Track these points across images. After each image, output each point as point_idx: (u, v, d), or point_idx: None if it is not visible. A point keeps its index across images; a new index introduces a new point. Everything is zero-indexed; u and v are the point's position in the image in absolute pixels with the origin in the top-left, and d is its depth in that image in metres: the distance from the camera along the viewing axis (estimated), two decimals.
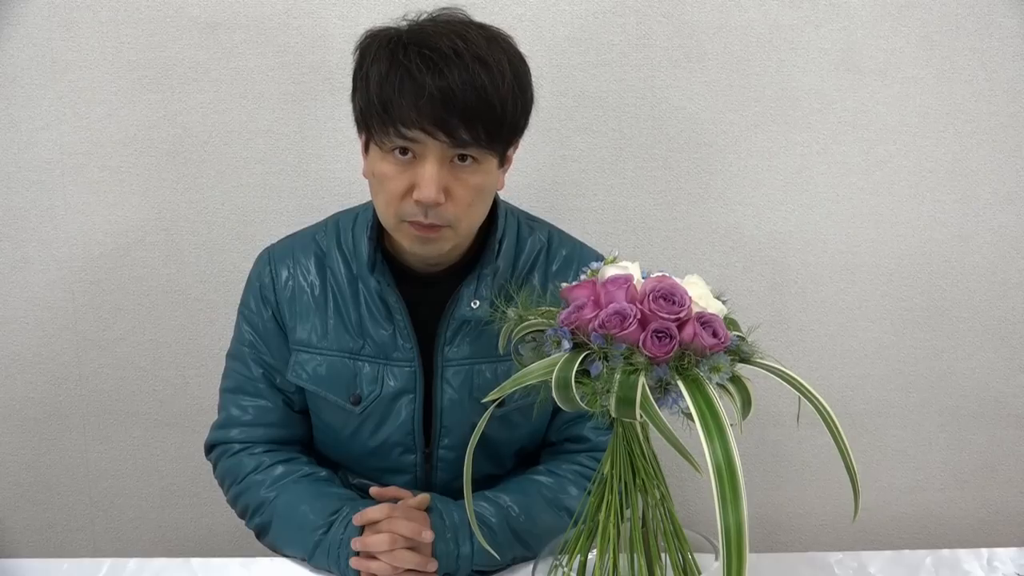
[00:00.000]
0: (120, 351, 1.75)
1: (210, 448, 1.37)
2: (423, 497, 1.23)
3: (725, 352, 0.87)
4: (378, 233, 1.26)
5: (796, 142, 1.66)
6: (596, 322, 0.88)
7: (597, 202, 1.68)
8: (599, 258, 1.33)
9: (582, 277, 0.96)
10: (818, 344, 1.75)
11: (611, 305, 0.88)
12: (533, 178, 1.65)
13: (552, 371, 0.87)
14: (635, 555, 0.96)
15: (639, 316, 0.87)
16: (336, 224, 1.33)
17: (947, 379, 1.77)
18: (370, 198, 1.24)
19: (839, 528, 1.84)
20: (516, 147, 1.24)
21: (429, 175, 1.11)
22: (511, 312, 0.99)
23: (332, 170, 1.65)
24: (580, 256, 1.34)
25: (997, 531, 1.84)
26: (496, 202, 1.29)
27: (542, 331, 0.95)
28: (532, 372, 0.90)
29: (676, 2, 1.60)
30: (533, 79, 1.62)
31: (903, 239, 1.71)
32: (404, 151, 1.13)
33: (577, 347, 0.89)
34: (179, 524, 1.84)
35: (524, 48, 1.61)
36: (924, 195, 1.69)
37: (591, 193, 1.68)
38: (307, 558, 1.22)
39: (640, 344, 0.86)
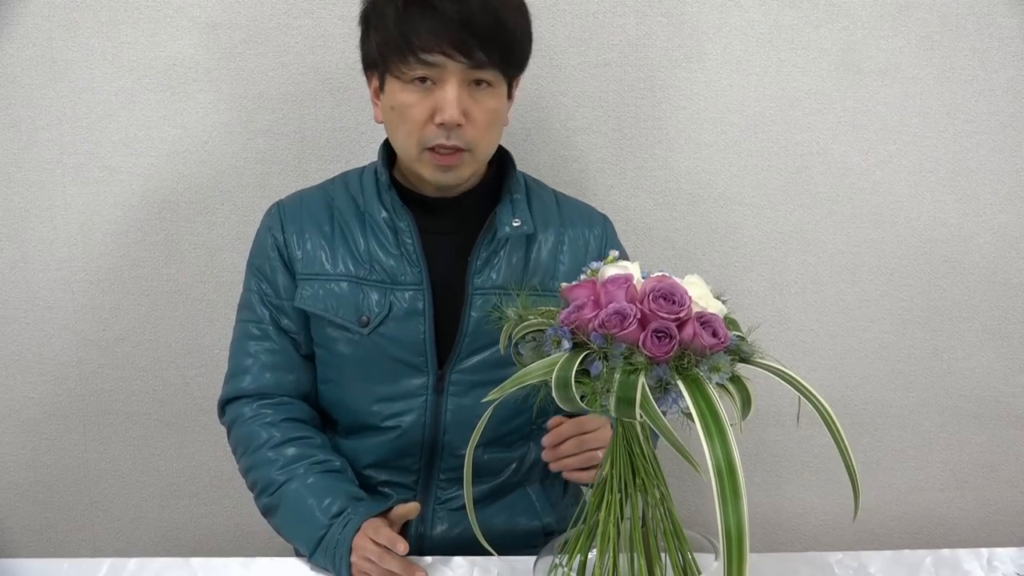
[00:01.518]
0: (120, 351, 1.75)
1: (223, 408, 1.39)
2: (413, 506, 1.24)
3: (725, 352, 0.87)
4: (389, 165, 1.34)
5: (796, 142, 1.66)
6: (596, 322, 0.88)
7: (597, 202, 1.67)
8: (602, 217, 1.43)
9: (582, 277, 0.97)
10: (818, 344, 1.75)
11: (611, 305, 0.88)
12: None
13: (552, 371, 0.87)
14: (635, 555, 0.96)
15: (639, 316, 0.87)
16: (344, 176, 1.41)
17: (947, 379, 1.77)
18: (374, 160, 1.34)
19: (839, 528, 1.84)
20: (517, 85, 1.32)
21: (451, 97, 1.19)
22: (511, 312, 0.99)
23: (332, 170, 1.65)
24: (587, 211, 1.43)
25: (997, 531, 1.84)
26: (507, 151, 1.38)
27: (542, 331, 0.95)
28: (532, 372, 0.90)
29: (676, 2, 1.60)
30: (534, 79, 1.63)
31: (903, 239, 1.71)
32: (423, 79, 1.20)
33: (577, 347, 0.89)
34: (179, 524, 1.84)
35: None
36: (924, 195, 1.69)
37: (591, 193, 1.68)
38: (308, 555, 1.24)
39: (640, 344, 0.86)
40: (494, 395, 0.93)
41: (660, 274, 0.92)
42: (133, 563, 1.25)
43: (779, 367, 0.91)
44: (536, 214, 1.36)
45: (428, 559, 1.25)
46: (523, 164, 1.66)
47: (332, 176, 1.44)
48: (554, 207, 1.40)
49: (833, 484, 1.82)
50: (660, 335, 0.86)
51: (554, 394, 0.87)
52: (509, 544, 1.24)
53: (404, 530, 1.26)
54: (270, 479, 1.29)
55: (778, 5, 1.61)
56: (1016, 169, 1.68)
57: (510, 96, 1.30)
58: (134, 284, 1.72)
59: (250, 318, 1.37)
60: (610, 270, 0.94)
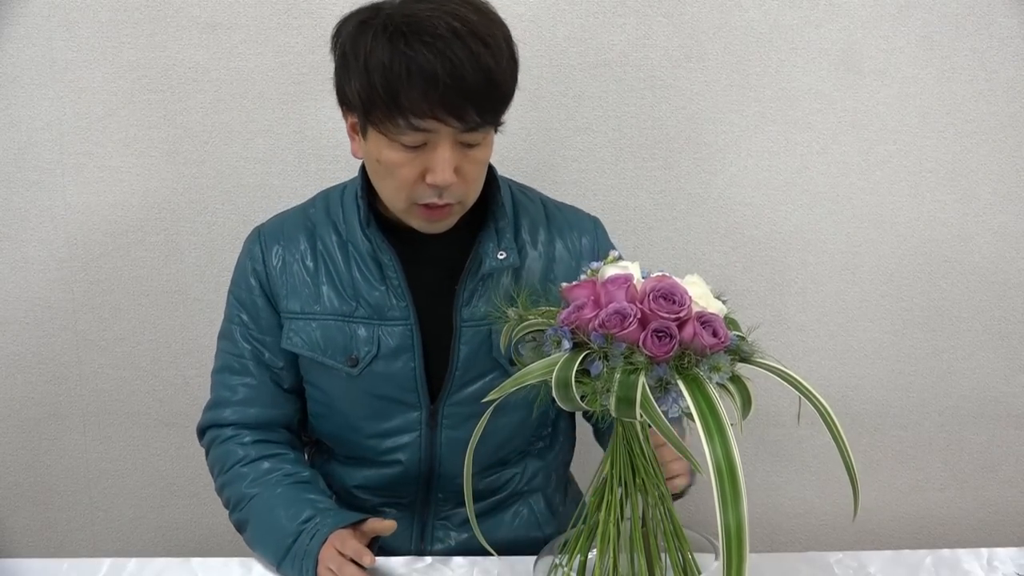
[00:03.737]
0: (120, 351, 1.75)
1: (202, 432, 1.37)
2: (389, 524, 1.22)
3: (725, 352, 0.87)
4: (369, 194, 1.27)
5: (796, 142, 1.66)
6: (596, 322, 0.88)
7: (597, 202, 1.68)
8: (592, 221, 1.36)
9: (582, 277, 0.96)
10: (818, 344, 1.75)
11: (611, 305, 0.88)
12: (533, 178, 1.64)
13: (552, 370, 0.87)
14: (635, 555, 0.96)
15: (639, 316, 0.87)
16: (325, 197, 1.35)
17: (947, 379, 1.77)
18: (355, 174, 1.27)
19: (839, 528, 1.84)
20: None
21: (443, 159, 1.12)
22: (511, 312, 0.99)
23: (332, 170, 1.65)
24: (576, 219, 1.36)
25: (997, 531, 1.84)
26: (491, 167, 1.30)
27: (543, 331, 0.95)
28: (533, 372, 0.90)
29: (676, 2, 1.60)
30: (534, 79, 1.63)
31: (903, 239, 1.71)
32: (413, 142, 1.13)
33: (577, 347, 0.89)
34: (179, 524, 1.84)
35: (524, 48, 1.61)
36: (924, 195, 1.69)
37: (591, 193, 1.68)
38: (277, 565, 1.22)
39: (640, 343, 0.86)
40: (494, 395, 0.93)
41: (660, 274, 0.92)
42: (133, 563, 1.24)
43: (779, 367, 0.91)
44: (524, 233, 1.31)
45: (428, 559, 1.25)
46: (523, 164, 1.66)
47: (317, 190, 1.39)
48: (542, 220, 1.33)
49: (833, 484, 1.82)
50: (660, 335, 0.86)
51: (554, 394, 0.87)
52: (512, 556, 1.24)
53: (372, 544, 1.23)
54: (241, 493, 1.28)
55: (778, 5, 1.61)
56: (1016, 169, 1.68)
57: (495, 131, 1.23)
58: (134, 284, 1.72)
59: (230, 350, 1.33)
60: (610, 270, 0.94)
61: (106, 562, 1.25)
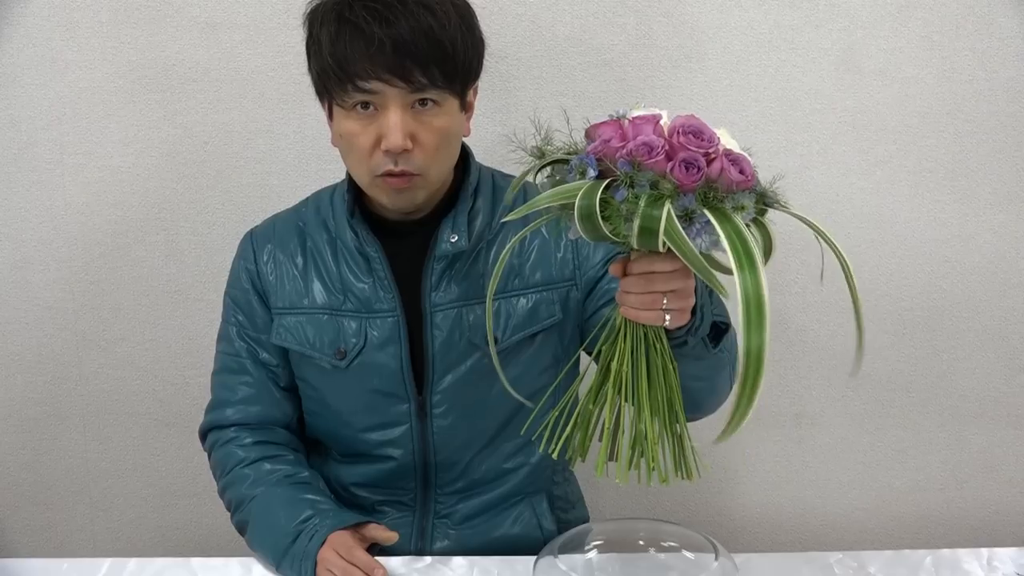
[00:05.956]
0: (120, 351, 1.75)
1: (204, 435, 1.39)
2: (392, 535, 1.23)
3: (751, 192, 0.87)
4: (355, 189, 1.29)
5: (796, 142, 1.66)
6: (624, 150, 0.86)
7: None
8: None
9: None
10: (818, 344, 1.75)
11: (639, 137, 0.87)
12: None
13: (571, 197, 0.85)
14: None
15: (667, 148, 0.86)
16: (317, 198, 1.37)
17: (947, 379, 1.76)
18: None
19: (839, 528, 1.84)
20: (475, 93, 1.26)
21: (393, 123, 1.14)
22: (530, 151, 0.98)
23: (332, 170, 1.65)
24: None
25: (997, 531, 1.84)
26: (468, 153, 1.32)
27: (564, 162, 0.91)
28: (550, 195, 0.88)
29: (676, 2, 1.60)
30: (534, 79, 1.63)
31: (903, 239, 1.70)
32: (365, 105, 1.16)
33: (601, 176, 0.87)
34: (179, 524, 1.84)
35: (524, 48, 1.62)
36: (924, 195, 1.69)
37: None
38: (276, 565, 1.22)
39: (669, 171, 0.85)
40: (511, 216, 0.95)
41: (688, 115, 0.91)
42: (133, 563, 1.25)
43: (801, 215, 0.92)
44: (499, 216, 1.31)
45: (427, 559, 1.25)
46: (523, 164, 1.66)
47: (321, 183, 1.40)
48: (521, 201, 1.31)
49: (833, 484, 1.81)
50: (688, 165, 0.85)
51: (576, 223, 0.85)
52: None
53: (369, 547, 1.23)
54: (242, 495, 1.29)
55: (778, 5, 1.60)
56: (1016, 169, 1.68)
57: (465, 107, 1.24)
58: (134, 284, 1.72)
59: (227, 350, 1.36)
60: (637, 112, 0.92)
61: (106, 562, 1.25)
